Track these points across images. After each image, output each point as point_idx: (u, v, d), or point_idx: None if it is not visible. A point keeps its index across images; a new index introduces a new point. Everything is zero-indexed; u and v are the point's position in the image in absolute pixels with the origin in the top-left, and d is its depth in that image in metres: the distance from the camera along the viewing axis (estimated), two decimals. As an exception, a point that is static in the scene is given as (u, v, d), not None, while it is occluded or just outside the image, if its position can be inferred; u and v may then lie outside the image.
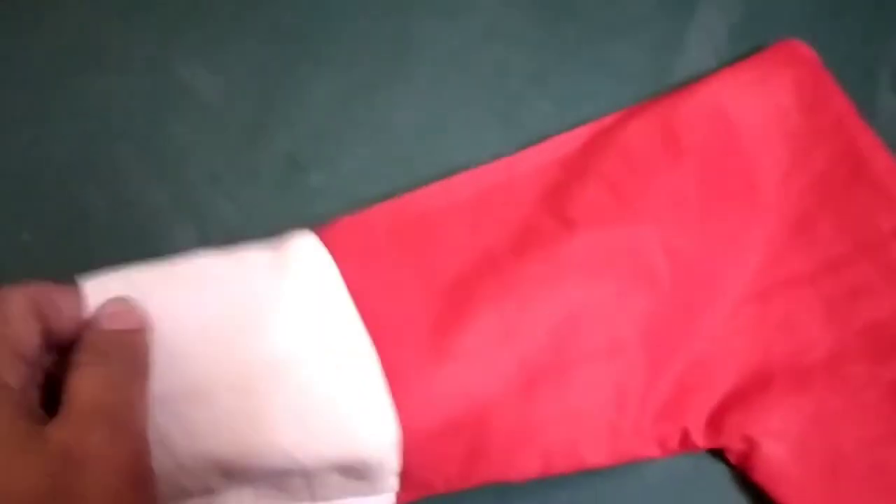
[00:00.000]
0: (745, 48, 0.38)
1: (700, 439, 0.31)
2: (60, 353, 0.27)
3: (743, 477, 0.32)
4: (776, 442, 0.31)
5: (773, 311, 0.33)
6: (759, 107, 0.35)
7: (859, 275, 0.33)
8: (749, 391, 0.32)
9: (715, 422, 0.32)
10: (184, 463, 0.27)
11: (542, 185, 0.35)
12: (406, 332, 0.30)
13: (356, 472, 0.29)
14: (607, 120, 0.36)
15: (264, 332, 0.29)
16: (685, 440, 0.31)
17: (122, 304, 0.27)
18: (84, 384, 0.25)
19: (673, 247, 0.33)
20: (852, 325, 0.33)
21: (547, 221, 0.34)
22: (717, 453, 0.32)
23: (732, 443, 0.31)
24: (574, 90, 0.38)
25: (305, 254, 0.31)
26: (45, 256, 0.35)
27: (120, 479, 0.23)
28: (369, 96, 0.38)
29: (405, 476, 0.30)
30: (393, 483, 0.30)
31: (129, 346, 0.27)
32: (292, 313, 0.29)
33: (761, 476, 0.31)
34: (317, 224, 0.33)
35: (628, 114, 0.36)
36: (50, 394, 0.26)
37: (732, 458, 0.32)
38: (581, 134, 0.36)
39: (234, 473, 0.28)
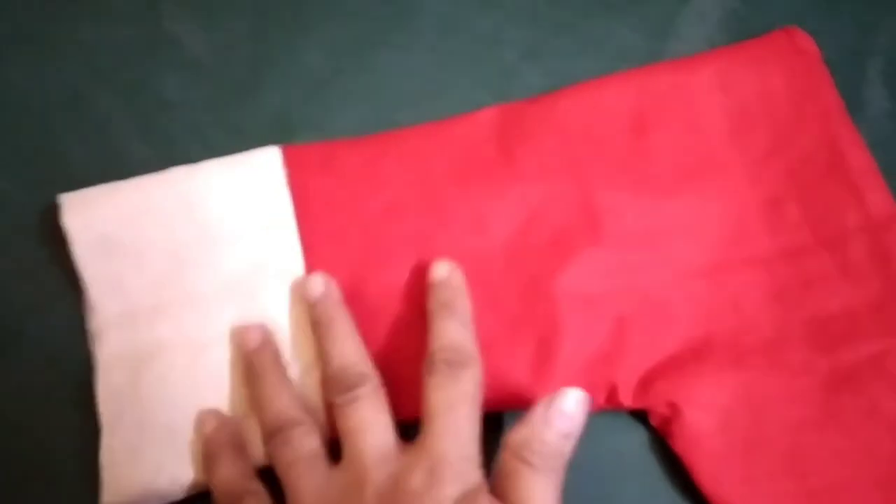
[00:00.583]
0: (738, 34, 0.38)
1: (627, 398, 0.32)
2: None
3: (662, 447, 0.32)
4: (701, 412, 0.31)
5: (723, 287, 0.33)
6: (748, 87, 0.36)
7: (816, 266, 0.34)
8: (684, 360, 0.32)
9: (644, 383, 0.32)
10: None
11: (499, 124, 0.35)
12: (336, 248, 0.33)
13: None
14: (593, 81, 0.36)
15: (212, 229, 0.33)
16: (612, 396, 0.32)
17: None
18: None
19: (615, 209, 0.34)
20: (799, 314, 0.33)
21: (494, 157, 0.35)
22: (641, 419, 0.33)
23: (657, 406, 0.32)
24: (566, 67, 0.38)
25: (264, 164, 0.34)
26: (21, 205, 0.35)
27: None
28: (362, 60, 0.37)
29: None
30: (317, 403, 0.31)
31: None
32: (238, 217, 0.33)
33: (680, 443, 0.31)
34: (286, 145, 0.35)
35: (610, 78, 0.36)
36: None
37: (655, 421, 0.32)
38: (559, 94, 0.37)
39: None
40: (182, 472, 0.30)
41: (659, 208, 0.34)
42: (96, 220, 0.33)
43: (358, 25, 0.38)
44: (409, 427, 0.30)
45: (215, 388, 0.31)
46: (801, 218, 0.34)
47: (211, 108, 0.36)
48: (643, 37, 0.38)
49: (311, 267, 0.33)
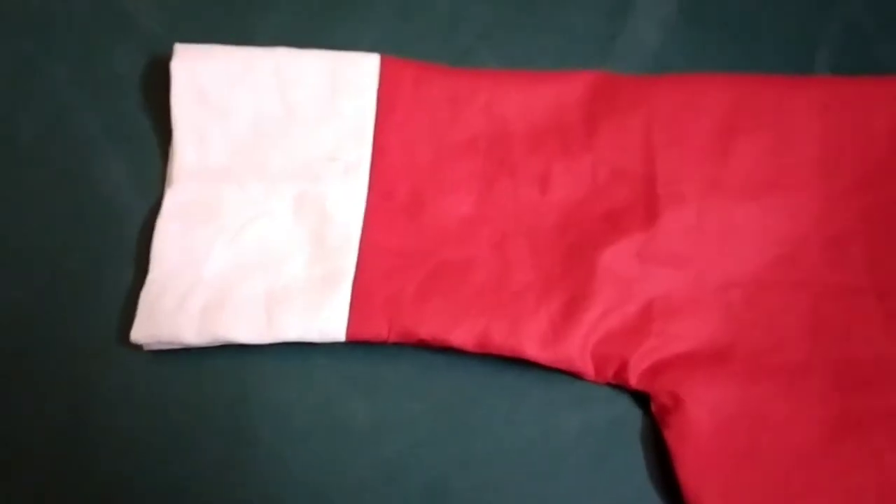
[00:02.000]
0: (691, 21, 0.38)
1: (634, 378, 0.32)
2: None
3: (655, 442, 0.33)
4: (703, 411, 0.31)
5: (761, 303, 0.33)
6: (849, 121, 0.35)
7: (863, 310, 0.33)
8: (702, 359, 0.32)
9: (655, 369, 0.32)
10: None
11: (591, 91, 0.36)
12: (403, 161, 0.35)
13: (319, 246, 0.33)
14: (695, 76, 0.36)
15: (294, 127, 0.35)
16: (620, 372, 0.32)
17: None
18: None
19: (678, 203, 0.34)
20: (831, 351, 0.33)
21: (576, 122, 0.36)
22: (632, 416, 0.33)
23: (661, 394, 0.32)
24: (523, 49, 0.38)
25: (362, 66, 0.35)
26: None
27: None
28: (316, 40, 0.37)
29: (356, 294, 0.32)
30: (345, 293, 0.32)
31: None
32: (324, 108, 0.35)
33: (674, 435, 0.32)
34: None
35: (713, 77, 0.36)
36: None
37: (654, 408, 0.32)
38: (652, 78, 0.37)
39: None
40: (205, 324, 0.32)
41: (722, 211, 0.34)
42: (199, 73, 0.34)
43: (314, 5, 0.38)
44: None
45: (252, 258, 0.33)
46: (863, 261, 0.34)
47: (162, 84, 0.36)
48: (599, 20, 0.38)
49: (375, 168, 0.35)
